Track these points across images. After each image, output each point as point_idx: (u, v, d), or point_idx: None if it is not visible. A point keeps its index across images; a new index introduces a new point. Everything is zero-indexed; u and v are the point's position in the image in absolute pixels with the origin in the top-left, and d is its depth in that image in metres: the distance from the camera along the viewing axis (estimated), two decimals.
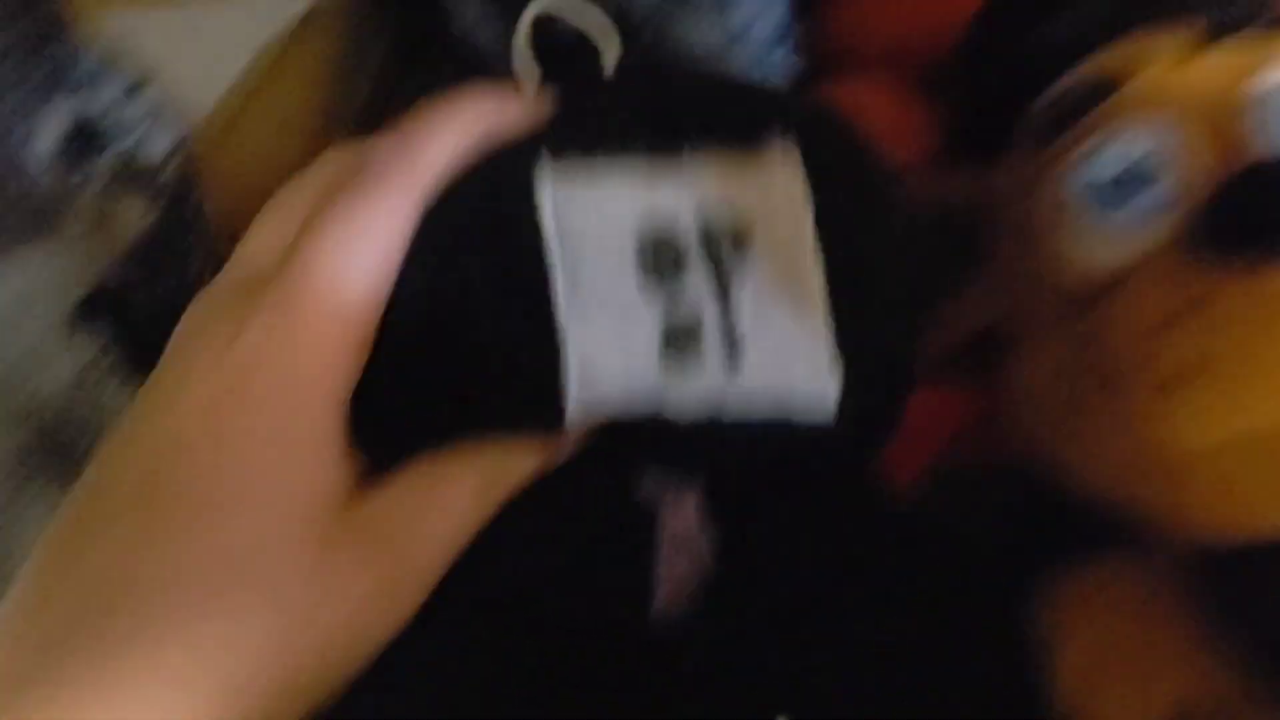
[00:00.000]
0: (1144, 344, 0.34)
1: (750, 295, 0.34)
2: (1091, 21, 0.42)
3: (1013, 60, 0.44)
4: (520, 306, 0.34)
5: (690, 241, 0.34)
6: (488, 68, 0.51)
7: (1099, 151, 0.37)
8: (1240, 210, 0.33)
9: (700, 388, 0.34)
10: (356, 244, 0.33)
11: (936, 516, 0.44)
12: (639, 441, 0.35)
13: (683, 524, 0.39)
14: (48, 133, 0.52)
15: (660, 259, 0.34)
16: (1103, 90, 0.39)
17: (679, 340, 0.34)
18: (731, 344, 0.34)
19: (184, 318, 0.34)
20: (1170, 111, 0.36)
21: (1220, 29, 0.38)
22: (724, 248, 0.34)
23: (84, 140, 0.53)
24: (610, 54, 0.38)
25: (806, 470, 0.38)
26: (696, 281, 0.34)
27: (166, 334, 0.34)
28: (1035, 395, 0.39)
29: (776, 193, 0.35)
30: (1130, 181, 0.36)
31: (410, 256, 0.34)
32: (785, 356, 0.34)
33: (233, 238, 0.36)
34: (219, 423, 0.32)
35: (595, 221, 0.34)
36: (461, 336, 0.34)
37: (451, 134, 0.35)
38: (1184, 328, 0.33)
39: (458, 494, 0.34)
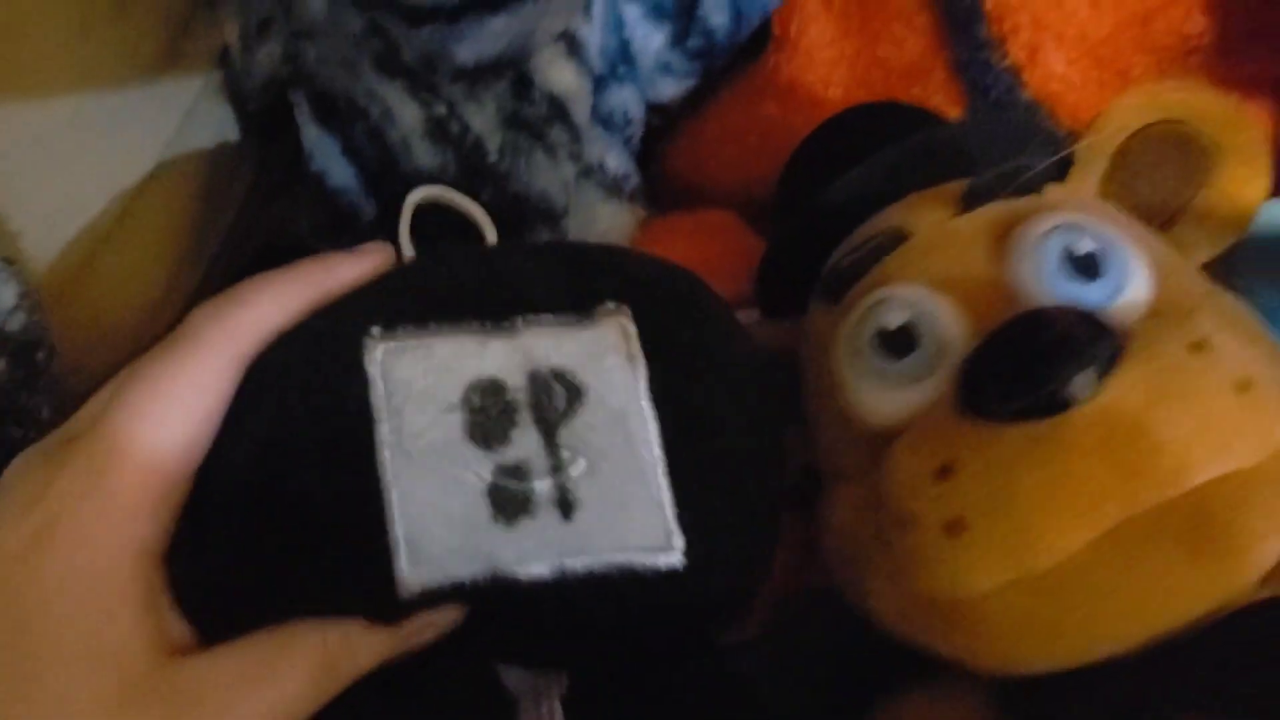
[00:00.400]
0: (925, 490, 0.36)
1: (582, 456, 0.35)
2: (876, 178, 0.44)
3: (806, 215, 0.46)
4: (347, 473, 0.34)
5: (520, 403, 0.35)
6: (345, 206, 0.51)
7: (874, 312, 0.39)
8: (982, 375, 0.36)
9: (535, 547, 0.34)
10: (164, 401, 0.34)
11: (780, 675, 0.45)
12: (490, 617, 0.35)
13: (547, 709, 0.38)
14: None
15: (488, 420, 0.35)
16: (890, 244, 0.41)
17: (509, 501, 0.34)
18: (564, 503, 0.34)
19: (5, 472, 0.35)
20: (932, 278, 0.39)
21: (975, 197, 0.41)
22: (554, 409, 0.35)
23: None
24: (490, 235, 0.40)
25: (670, 636, 0.38)
26: (526, 442, 0.35)
27: None
28: (841, 534, 0.40)
29: (608, 356, 0.36)
30: (902, 341, 0.39)
31: (236, 416, 0.35)
32: (622, 516, 0.35)
33: (86, 391, 0.36)
34: (26, 573, 0.32)
35: (423, 385, 0.35)
36: (288, 503, 0.34)
37: (274, 298, 0.36)
38: (953, 480, 0.35)
39: (291, 671, 0.33)
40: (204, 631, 0.34)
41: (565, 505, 0.34)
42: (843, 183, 0.45)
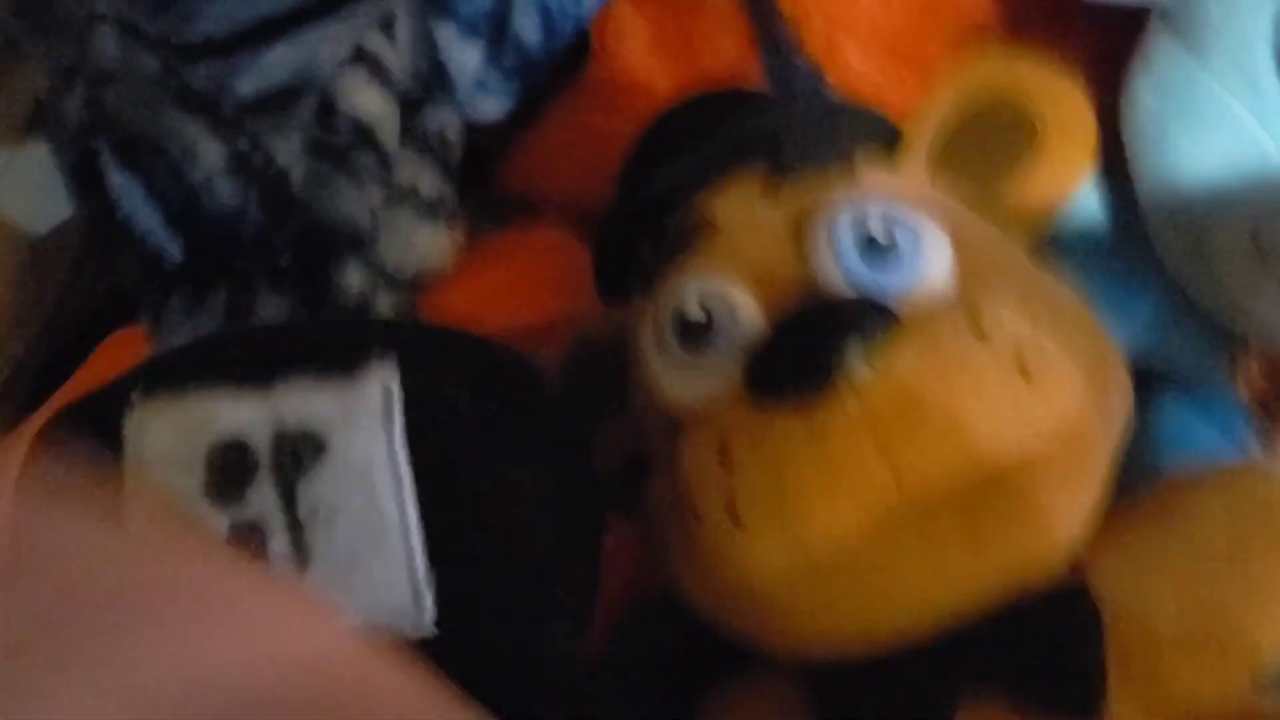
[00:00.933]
0: (708, 475, 0.35)
1: (320, 513, 0.34)
2: (692, 167, 0.44)
3: (626, 206, 0.47)
4: None
5: (263, 455, 0.35)
6: (152, 249, 0.50)
7: (675, 302, 0.39)
8: (762, 360, 0.36)
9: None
10: None
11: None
12: None
13: None
14: None
15: (227, 473, 0.34)
16: (696, 233, 0.41)
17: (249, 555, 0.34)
18: (299, 558, 0.34)
19: None
20: (732, 267, 0.39)
21: (779, 178, 0.41)
22: (295, 461, 0.35)
23: None
24: None
25: None
26: (261, 499, 0.34)
27: None
28: (654, 521, 0.40)
29: (359, 410, 0.35)
30: (700, 331, 0.38)
31: None
32: (362, 574, 0.34)
33: None
34: None
35: (170, 443, 0.35)
36: None
37: None
38: (736, 460, 0.35)
39: None
40: None
41: (300, 560, 0.34)
42: (661, 173, 0.45)
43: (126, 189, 0.51)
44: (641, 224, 0.43)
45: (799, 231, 0.39)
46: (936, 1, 0.51)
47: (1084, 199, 0.47)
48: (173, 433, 0.35)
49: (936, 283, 0.37)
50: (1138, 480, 0.39)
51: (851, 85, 0.51)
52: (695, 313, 0.38)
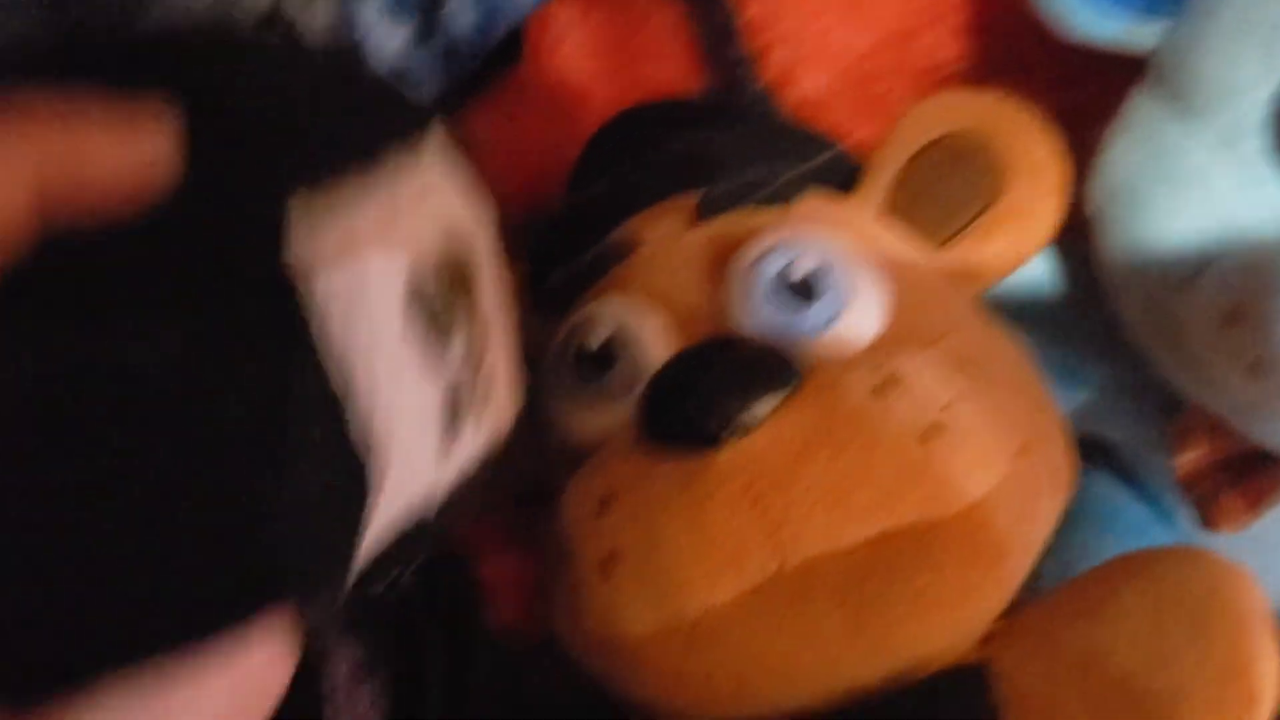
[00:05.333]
0: (587, 523, 0.33)
1: (489, 336, 0.29)
2: (622, 187, 0.41)
3: (557, 219, 0.44)
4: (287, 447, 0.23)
5: (439, 293, 0.27)
6: None
7: (584, 325, 0.37)
8: (653, 400, 0.33)
9: (459, 463, 0.28)
10: None
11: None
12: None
13: (346, 671, 0.34)
14: None
15: (435, 315, 0.27)
16: (615, 257, 0.39)
17: (454, 416, 0.27)
18: (485, 395, 0.28)
19: None
20: (647, 293, 0.36)
21: (706, 210, 0.38)
22: (463, 295, 0.28)
23: None
24: None
25: None
26: (459, 337, 0.27)
27: None
28: (546, 556, 0.37)
29: (460, 199, 0.29)
30: (603, 358, 0.36)
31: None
32: (505, 387, 0.30)
33: None
34: None
35: (367, 283, 0.25)
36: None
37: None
38: (616, 512, 0.32)
39: None
40: None
41: (484, 401, 0.28)
42: (597, 188, 0.42)
43: None
44: (568, 243, 0.40)
45: (718, 262, 0.36)
46: (907, 39, 0.47)
47: (1035, 263, 0.44)
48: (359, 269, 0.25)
49: (857, 336, 0.35)
50: (1063, 553, 0.36)
51: (805, 113, 0.48)
52: (599, 340, 0.36)
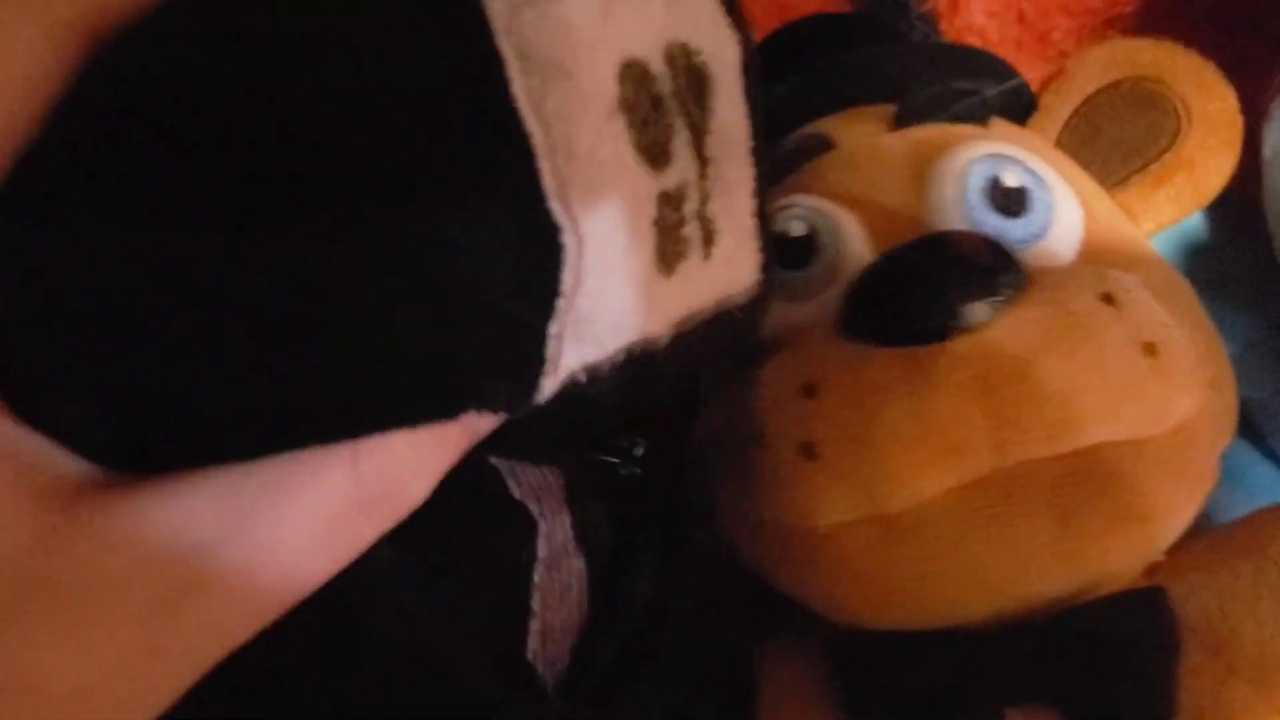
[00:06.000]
0: (786, 408, 0.32)
1: (717, 164, 0.25)
2: (813, 87, 0.41)
3: None
4: (479, 200, 0.21)
5: (668, 92, 0.24)
6: None
7: (784, 215, 0.36)
8: (866, 295, 0.33)
9: (677, 302, 0.25)
10: None
11: None
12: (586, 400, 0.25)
13: (559, 534, 0.32)
14: None
15: (649, 120, 0.24)
16: (817, 147, 0.38)
17: (669, 243, 0.25)
18: (707, 241, 0.26)
19: None
20: (845, 192, 0.36)
21: (907, 116, 0.38)
22: (696, 109, 0.25)
23: None
24: None
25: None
26: (683, 152, 0.24)
27: None
28: (700, 448, 0.37)
29: (715, 24, 0.26)
30: (803, 250, 0.35)
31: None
32: (739, 240, 0.27)
33: None
34: None
35: (572, 59, 0.22)
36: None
37: None
38: (816, 401, 0.32)
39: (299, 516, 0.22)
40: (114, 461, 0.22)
41: (709, 240, 0.26)
42: (771, 91, 0.40)
43: None
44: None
45: (923, 166, 0.35)
46: None
47: (1189, 223, 0.44)
48: (566, 38, 0.22)
49: (1062, 248, 0.35)
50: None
51: (966, 43, 0.47)
52: (797, 232, 0.35)
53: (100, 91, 0.20)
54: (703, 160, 0.25)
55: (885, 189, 0.36)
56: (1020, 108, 0.41)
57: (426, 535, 0.26)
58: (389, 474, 0.22)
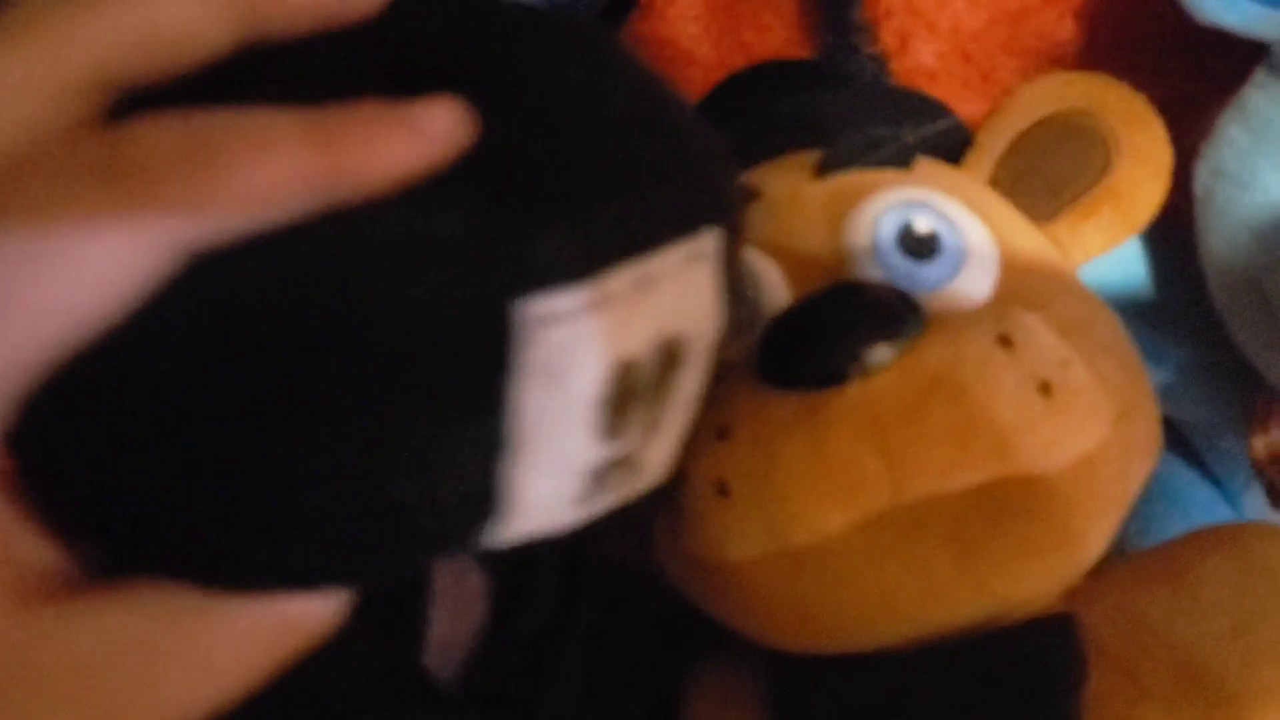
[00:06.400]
0: (704, 449, 0.34)
1: (665, 421, 0.29)
2: (744, 137, 0.42)
3: None
4: (439, 464, 0.24)
5: (645, 384, 0.27)
6: None
7: None
8: (774, 340, 0.34)
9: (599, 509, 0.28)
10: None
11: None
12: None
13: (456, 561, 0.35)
14: None
15: (617, 411, 0.26)
16: (744, 197, 0.39)
17: (599, 484, 0.27)
18: (635, 471, 0.28)
19: None
20: (765, 241, 0.37)
21: (829, 164, 0.39)
22: (661, 387, 0.27)
23: None
24: None
25: None
26: (634, 431, 0.27)
27: None
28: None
29: (704, 307, 0.28)
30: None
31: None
32: (662, 460, 0.30)
33: None
34: None
35: (575, 369, 0.25)
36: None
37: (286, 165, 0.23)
38: (734, 439, 0.33)
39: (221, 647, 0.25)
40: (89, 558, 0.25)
41: (634, 477, 0.29)
42: None
43: None
44: None
45: (838, 215, 0.37)
46: (1023, 15, 0.49)
47: (1122, 252, 0.45)
48: (580, 347, 0.25)
49: (969, 296, 0.36)
50: (1132, 524, 0.37)
51: (915, 83, 0.49)
52: None
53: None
54: (651, 425, 0.28)
55: (804, 237, 0.37)
56: (955, 145, 0.42)
57: None
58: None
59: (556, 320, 0.24)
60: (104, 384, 0.23)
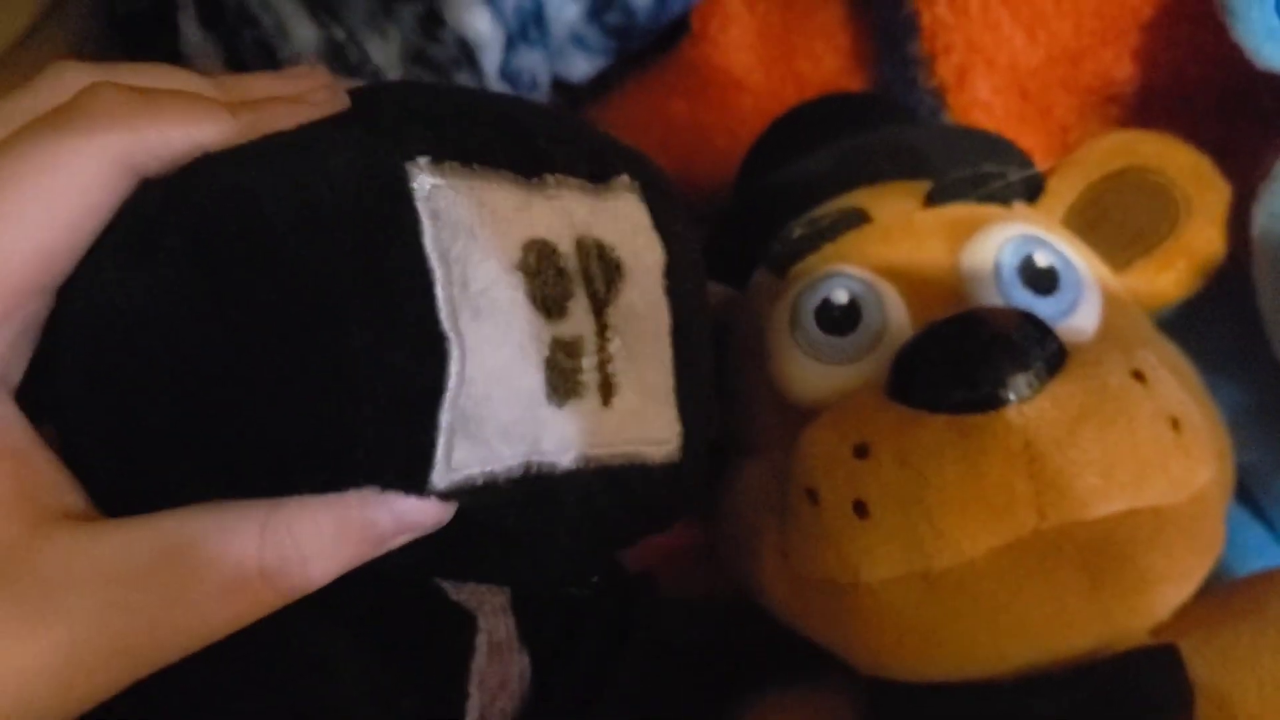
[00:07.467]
0: (839, 467, 0.34)
1: (620, 338, 0.32)
2: (837, 163, 0.43)
3: (761, 188, 0.45)
4: (386, 310, 0.28)
5: (572, 271, 0.31)
6: None
7: (822, 286, 0.38)
8: (918, 363, 0.35)
9: (574, 434, 0.30)
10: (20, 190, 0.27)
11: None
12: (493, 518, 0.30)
13: (502, 631, 0.34)
14: None
15: (546, 286, 0.30)
16: (849, 223, 0.40)
17: (563, 380, 0.30)
18: (606, 388, 0.31)
19: None
20: (884, 263, 0.38)
21: (941, 194, 0.40)
22: (600, 280, 0.32)
23: None
24: None
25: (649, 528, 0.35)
26: (579, 315, 0.31)
27: None
28: (739, 508, 0.39)
29: (638, 234, 0.33)
30: (843, 319, 0.37)
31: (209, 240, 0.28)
32: (647, 407, 0.32)
33: None
34: None
35: (479, 227, 0.29)
36: (293, 346, 0.27)
37: (194, 115, 0.29)
38: (869, 461, 0.34)
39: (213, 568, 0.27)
40: (104, 493, 0.29)
41: (606, 390, 0.31)
42: (802, 163, 0.44)
43: (202, 50, 0.47)
44: (790, 204, 0.42)
45: (957, 242, 0.38)
46: (1081, 54, 0.50)
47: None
48: (480, 222, 0.29)
49: (1086, 325, 0.37)
50: None
51: (971, 118, 0.51)
52: (842, 300, 0.37)
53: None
54: (602, 324, 0.31)
55: (921, 262, 0.38)
56: (1032, 190, 0.44)
57: (365, 626, 0.32)
58: (290, 549, 0.27)
59: (451, 186, 0.29)
60: (96, 315, 0.28)
